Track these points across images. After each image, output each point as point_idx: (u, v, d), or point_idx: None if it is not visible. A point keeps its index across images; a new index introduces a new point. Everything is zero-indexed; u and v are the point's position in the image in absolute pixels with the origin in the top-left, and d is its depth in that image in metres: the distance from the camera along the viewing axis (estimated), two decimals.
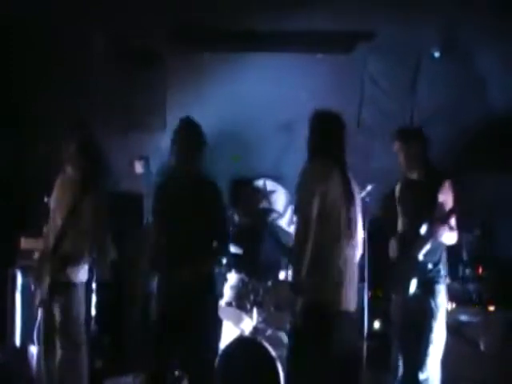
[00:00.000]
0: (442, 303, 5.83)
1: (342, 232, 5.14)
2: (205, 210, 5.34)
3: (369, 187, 6.43)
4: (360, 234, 5.36)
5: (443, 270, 5.88)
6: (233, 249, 6.77)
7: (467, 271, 7.11)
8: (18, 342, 7.02)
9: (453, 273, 7.06)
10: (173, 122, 8.12)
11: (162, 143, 8.11)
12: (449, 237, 5.86)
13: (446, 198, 5.86)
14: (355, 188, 5.33)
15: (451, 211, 5.79)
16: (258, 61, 7.91)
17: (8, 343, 7.01)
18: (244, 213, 7.37)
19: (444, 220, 5.76)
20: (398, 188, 6.16)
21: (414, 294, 5.76)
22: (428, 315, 5.75)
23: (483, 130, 7.69)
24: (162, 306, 5.43)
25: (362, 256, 6.22)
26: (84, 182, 5.89)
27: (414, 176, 6.01)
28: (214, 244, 5.46)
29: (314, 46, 7.93)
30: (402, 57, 8.03)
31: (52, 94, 8.04)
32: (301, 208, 5.18)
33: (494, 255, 7.29)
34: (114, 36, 8.10)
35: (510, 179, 7.61)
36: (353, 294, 5.21)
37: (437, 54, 7.84)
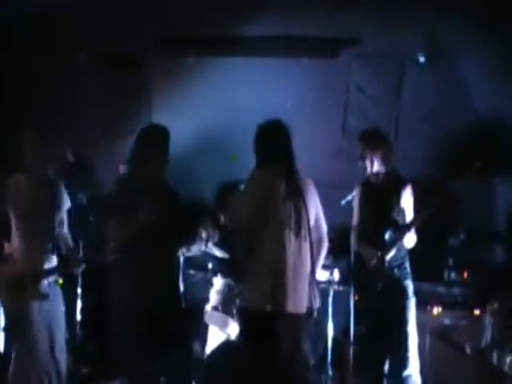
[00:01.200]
0: (411, 296, 6.01)
1: (284, 232, 5.09)
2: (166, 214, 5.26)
3: (354, 192, 6.46)
4: (323, 228, 5.32)
5: (408, 267, 6.04)
6: (219, 253, 6.75)
7: (452, 275, 7.14)
8: (1, 347, 6.95)
9: (438, 277, 7.12)
10: None
11: None
12: (409, 239, 5.96)
13: (408, 202, 6.02)
14: (305, 188, 5.22)
15: (416, 218, 5.91)
16: (243, 66, 7.93)
17: None
18: (230, 217, 7.35)
19: (409, 227, 5.89)
20: (358, 190, 6.20)
21: (384, 294, 5.88)
22: (403, 310, 5.93)
23: (468, 134, 7.72)
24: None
25: (348, 259, 6.28)
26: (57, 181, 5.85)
27: (377, 179, 6.08)
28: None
29: (299, 50, 7.96)
30: (387, 63, 8.05)
31: (36, 102, 8.00)
32: (239, 218, 5.26)
33: (480, 259, 7.32)
34: (99, 42, 8.08)
35: (495, 184, 7.68)
36: (300, 294, 5.10)
37: (421, 60, 7.87)
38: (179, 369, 5.31)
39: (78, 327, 6.92)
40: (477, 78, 7.75)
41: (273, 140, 5.31)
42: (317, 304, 5.18)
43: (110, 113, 8.23)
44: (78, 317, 6.92)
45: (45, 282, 5.64)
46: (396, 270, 5.96)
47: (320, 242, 5.30)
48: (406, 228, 5.90)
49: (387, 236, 5.88)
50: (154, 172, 5.35)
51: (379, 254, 5.92)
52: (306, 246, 5.15)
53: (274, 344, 5.07)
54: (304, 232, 5.14)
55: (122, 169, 7.06)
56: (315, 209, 5.26)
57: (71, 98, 8.11)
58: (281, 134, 5.31)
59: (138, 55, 8.20)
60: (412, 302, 6.01)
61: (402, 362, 5.89)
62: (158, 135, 5.45)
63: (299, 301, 5.10)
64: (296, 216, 5.12)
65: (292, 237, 5.09)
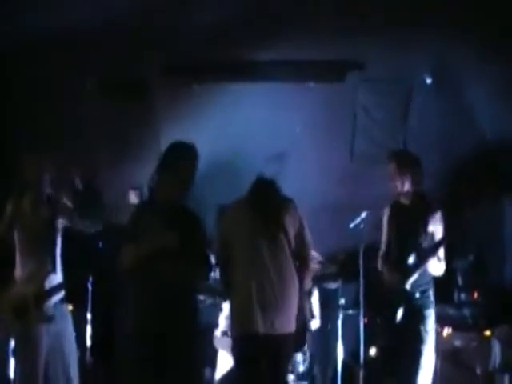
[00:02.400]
0: (431, 327, 5.78)
1: (253, 260, 5.33)
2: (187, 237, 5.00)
3: (363, 214, 6.47)
4: (306, 248, 5.48)
5: (432, 295, 5.83)
6: None
7: (462, 296, 7.11)
8: (11, 375, 6.92)
9: (448, 298, 7.08)
10: None
11: None
12: (436, 267, 5.80)
13: (437, 228, 5.84)
14: (284, 213, 5.42)
15: (440, 243, 5.76)
16: (249, 90, 7.93)
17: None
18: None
19: (433, 251, 5.73)
20: (387, 212, 6.05)
21: (403, 321, 5.71)
22: (418, 340, 5.70)
23: (474, 158, 7.73)
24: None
25: (357, 282, 6.27)
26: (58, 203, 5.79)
27: (407, 201, 5.92)
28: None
29: (305, 75, 7.97)
30: (394, 86, 8.07)
31: (44, 130, 8.03)
32: (216, 246, 5.59)
33: (489, 280, 7.30)
34: (105, 69, 8.13)
35: (504, 204, 7.68)
36: (278, 315, 5.25)
37: (428, 81, 7.89)
38: None
39: (87, 353, 6.90)
40: (483, 100, 7.76)
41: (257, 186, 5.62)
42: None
43: (117, 139, 8.24)
44: (88, 342, 6.91)
45: (50, 304, 5.59)
46: (418, 295, 5.74)
47: (303, 263, 5.45)
48: (428, 253, 5.74)
49: (411, 260, 5.79)
50: (169, 194, 5.00)
51: (401, 277, 5.78)
52: (287, 271, 5.34)
53: (261, 367, 5.24)
54: (282, 255, 5.35)
55: (131, 194, 7.10)
56: (294, 231, 5.42)
57: (78, 124, 8.12)
58: (267, 186, 5.58)
59: (144, 82, 8.22)
60: (431, 336, 5.74)
61: None
62: (176, 152, 5.05)
63: (277, 322, 5.23)
64: (269, 242, 5.34)
65: (267, 262, 5.31)
